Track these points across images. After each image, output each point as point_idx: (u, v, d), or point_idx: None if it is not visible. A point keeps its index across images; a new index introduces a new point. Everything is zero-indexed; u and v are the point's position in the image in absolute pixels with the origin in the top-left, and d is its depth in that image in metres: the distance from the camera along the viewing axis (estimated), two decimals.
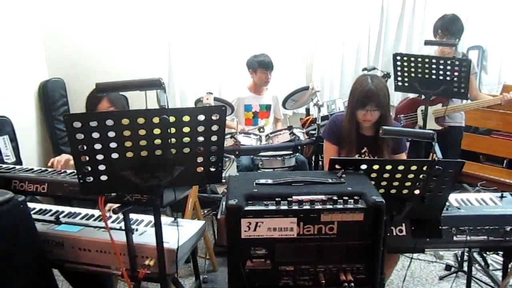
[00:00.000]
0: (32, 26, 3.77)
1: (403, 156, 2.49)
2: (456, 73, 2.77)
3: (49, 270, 1.88)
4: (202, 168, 1.58)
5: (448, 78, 2.79)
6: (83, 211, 2.10)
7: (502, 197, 2.12)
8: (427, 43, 3.17)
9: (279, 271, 1.45)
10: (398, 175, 1.65)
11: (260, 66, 3.68)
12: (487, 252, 2.86)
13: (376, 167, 1.63)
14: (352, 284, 1.43)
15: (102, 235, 1.84)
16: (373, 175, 1.64)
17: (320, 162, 3.26)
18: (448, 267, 3.03)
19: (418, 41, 4.45)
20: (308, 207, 1.38)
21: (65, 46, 3.93)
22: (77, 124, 1.41)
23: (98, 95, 2.33)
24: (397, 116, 3.60)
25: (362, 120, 2.35)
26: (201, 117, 1.48)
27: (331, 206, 1.38)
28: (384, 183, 1.67)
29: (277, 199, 1.39)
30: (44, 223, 1.95)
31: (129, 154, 1.49)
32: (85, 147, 1.45)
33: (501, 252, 2.34)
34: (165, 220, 1.94)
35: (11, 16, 3.49)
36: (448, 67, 2.76)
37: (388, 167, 1.63)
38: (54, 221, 1.96)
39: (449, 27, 3.20)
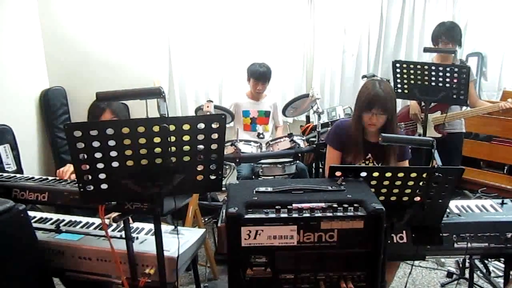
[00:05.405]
0: (33, 35, 3.80)
1: (406, 163, 2.48)
2: (455, 80, 2.78)
3: (50, 279, 1.88)
4: (202, 176, 1.59)
5: (447, 84, 2.80)
6: (84, 219, 2.10)
7: (503, 203, 2.11)
8: (426, 50, 3.19)
9: (280, 279, 1.45)
10: (398, 182, 1.65)
11: (253, 76, 3.68)
12: (489, 259, 2.84)
13: (376, 174, 1.64)
14: None
15: (102, 244, 1.84)
16: (373, 182, 1.65)
17: (321, 170, 3.25)
18: (449, 274, 3.01)
19: (418, 48, 4.47)
20: (308, 214, 1.38)
21: (66, 55, 3.96)
22: (78, 133, 1.42)
23: (101, 106, 2.35)
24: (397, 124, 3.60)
25: (367, 123, 2.33)
26: (201, 126, 1.49)
27: (331, 214, 1.39)
28: (384, 191, 1.67)
29: (277, 207, 1.39)
30: (44, 232, 1.95)
31: (130, 163, 1.49)
32: (85, 156, 1.46)
33: (502, 259, 2.33)
34: (165, 228, 1.94)
35: (12, 25, 3.52)
36: (448, 74, 2.77)
37: (388, 174, 1.63)
38: (55, 229, 1.95)
39: (454, 34, 3.22)
